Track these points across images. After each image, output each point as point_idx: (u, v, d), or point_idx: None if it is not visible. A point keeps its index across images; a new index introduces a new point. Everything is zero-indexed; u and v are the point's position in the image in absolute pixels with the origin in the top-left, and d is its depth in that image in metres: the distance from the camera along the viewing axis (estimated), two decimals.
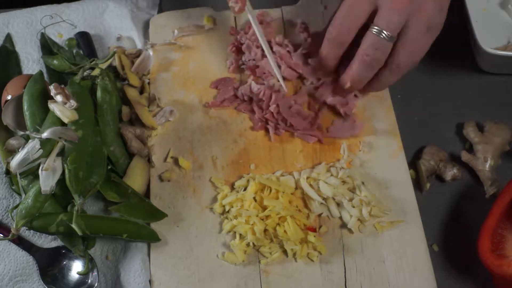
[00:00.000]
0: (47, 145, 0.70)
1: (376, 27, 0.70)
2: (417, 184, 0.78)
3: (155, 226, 0.75)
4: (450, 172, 0.77)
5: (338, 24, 0.72)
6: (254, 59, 0.86)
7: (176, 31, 0.90)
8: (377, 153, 0.79)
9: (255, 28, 0.81)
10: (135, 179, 0.77)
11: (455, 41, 0.90)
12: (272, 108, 0.80)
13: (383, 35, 0.69)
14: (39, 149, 0.70)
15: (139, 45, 0.91)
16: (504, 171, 0.78)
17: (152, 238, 0.73)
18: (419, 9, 0.69)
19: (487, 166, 0.77)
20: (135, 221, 0.74)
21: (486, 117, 0.81)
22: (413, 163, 0.80)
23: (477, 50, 0.83)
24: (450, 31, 0.92)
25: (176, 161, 0.79)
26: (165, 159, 0.80)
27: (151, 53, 0.88)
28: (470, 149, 0.80)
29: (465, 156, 0.78)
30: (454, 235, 0.75)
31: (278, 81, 0.83)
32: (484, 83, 0.87)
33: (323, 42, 0.76)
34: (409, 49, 0.71)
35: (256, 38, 0.84)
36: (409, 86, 0.86)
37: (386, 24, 0.69)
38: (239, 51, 0.89)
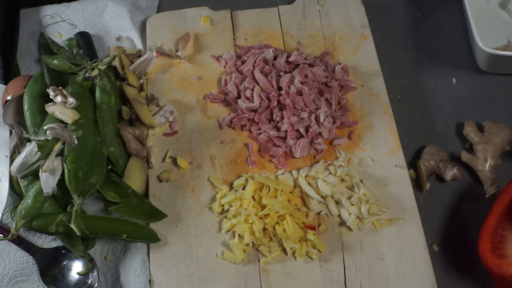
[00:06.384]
0: (44, 147, 0.71)
1: None
2: (417, 184, 0.78)
3: (154, 226, 0.75)
4: (450, 172, 0.77)
5: None
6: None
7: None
8: (375, 151, 0.79)
9: None
10: (134, 179, 0.77)
11: (455, 41, 0.90)
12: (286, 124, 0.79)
13: None
14: (37, 151, 0.70)
15: (138, 45, 0.91)
16: (504, 171, 0.78)
17: (151, 238, 0.73)
18: None
19: (487, 166, 0.76)
20: (134, 221, 0.74)
21: (486, 117, 0.81)
22: (413, 163, 0.80)
23: (477, 50, 0.83)
24: (450, 31, 0.92)
25: (174, 161, 0.80)
26: (163, 159, 0.80)
27: (154, 54, 0.87)
28: (470, 149, 0.80)
29: (465, 156, 0.78)
30: (454, 235, 0.75)
31: None
32: (484, 83, 0.87)
33: None
34: None
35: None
36: (409, 86, 0.87)
37: None
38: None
